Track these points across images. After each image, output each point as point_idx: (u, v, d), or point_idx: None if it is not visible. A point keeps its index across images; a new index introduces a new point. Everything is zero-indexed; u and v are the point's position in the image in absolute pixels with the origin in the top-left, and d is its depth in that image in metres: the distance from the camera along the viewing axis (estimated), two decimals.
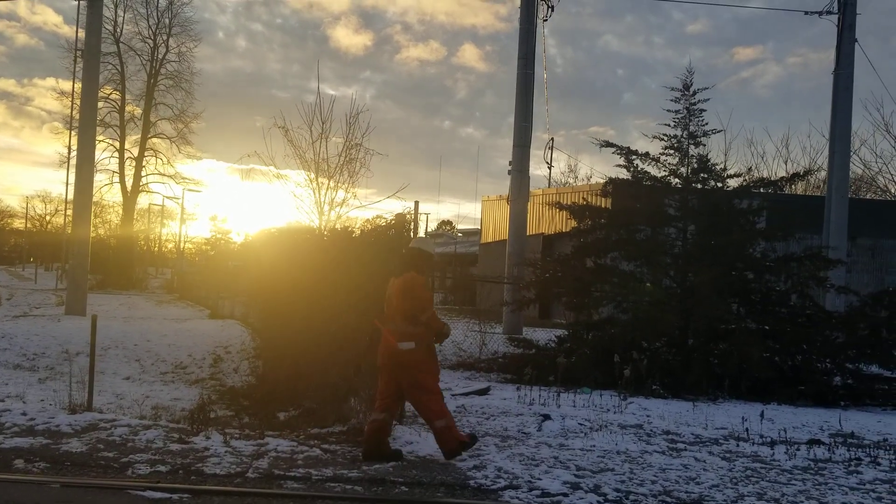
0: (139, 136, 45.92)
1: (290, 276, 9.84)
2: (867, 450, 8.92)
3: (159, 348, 13.76)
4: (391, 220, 8.33)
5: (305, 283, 9.33)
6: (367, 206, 12.72)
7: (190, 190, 47.44)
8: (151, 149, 46.73)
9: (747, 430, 9.63)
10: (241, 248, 26.14)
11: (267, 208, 19.45)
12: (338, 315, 8.64)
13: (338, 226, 12.10)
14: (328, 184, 12.59)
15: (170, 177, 47.21)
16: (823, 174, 22.40)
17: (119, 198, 47.05)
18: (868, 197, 37.43)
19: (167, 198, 48.81)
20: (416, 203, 8.45)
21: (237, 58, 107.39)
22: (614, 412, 10.64)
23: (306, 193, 12.78)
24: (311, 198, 12.68)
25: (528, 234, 23.51)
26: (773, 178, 16.27)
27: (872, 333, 13.96)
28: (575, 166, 61.32)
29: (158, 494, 5.56)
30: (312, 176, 12.52)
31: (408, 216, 8.19)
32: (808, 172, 18.32)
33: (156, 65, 45.74)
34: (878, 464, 8.21)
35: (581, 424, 9.43)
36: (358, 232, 9.70)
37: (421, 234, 8.65)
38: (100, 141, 44.21)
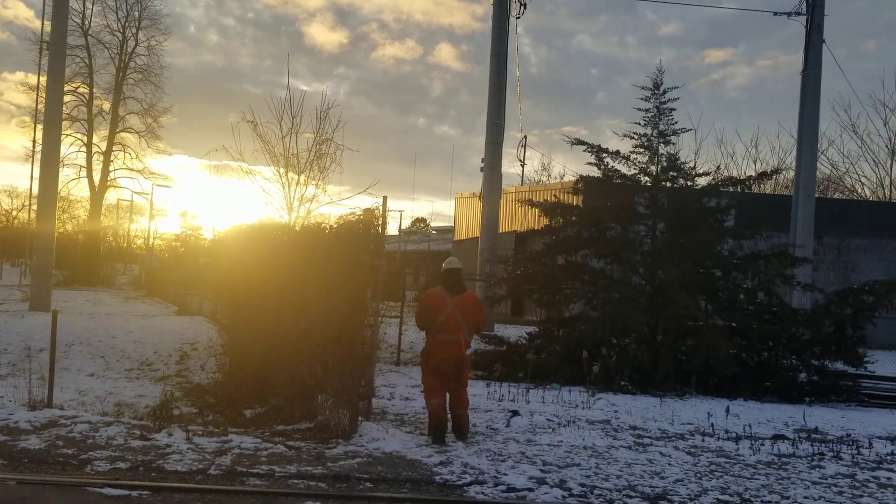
0: (107, 130, 45.24)
1: (258, 272, 9.74)
2: (830, 445, 9.04)
3: (125, 345, 13.55)
4: (359, 216, 8.26)
5: (274, 280, 9.24)
6: (338, 203, 12.62)
7: (159, 185, 46.85)
8: (120, 143, 46.08)
9: (713, 425, 9.72)
10: (211, 244, 25.89)
11: (237, 204, 19.28)
12: (306, 311, 8.56)
13: (307, 222, 12.00)
14: (298, 179, 12.49)
15: (138, 172, 46.58)
16: (792, 174, 22.70)
17: (87, 193, 46.35)
18: (835, 196, 38.03)
19: (136, 193, 48.17)
20: (385, 198, 8.43)
21: (208, 52, 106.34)
22: (583, 408, 10.68)
23: (276, 189, 12.67)
24: (281, 193, 12.57)
25: (500, 231, 23.51)
26: (741, 177, 16.41)
27: (837, 330, 14.16)
28: (548, 164, 61.69)
29: (117, 492, 5.46)
30: (282, 171, 12.41)
31: (376, 211, 8.14)
32: (775, 171, 18.51)
33: (125, 58, 45.11)
34: (841, 458, 8.32)
35: (549, 420, 9.45)
36: (328, 228, 9.62)
37: (391, 228, 8.66)
38: (67, 135, 43.47)
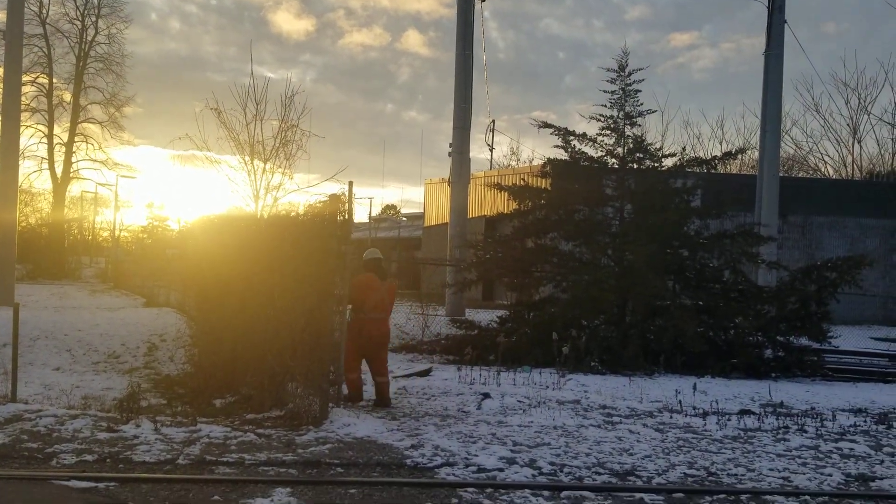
0: (69, 121, 44.38)
1: (226, 261, 9.67)
2: (795, 418, 9.22)
3: (91, 338, 13.36)
4: (325, 202, 8.21)
5: (241, 269, 9.17)
6: (304, 190, 12.54)
7: (123, 176, 46.06)
8: (82, 134, 45.23)
9: (681, 402, 9.86)
10: (178, 235, 25.60)
11: (204, 194, 19.07)
12: (274, 299, 8.51)
13: (274, 210, 11.92)
14: (264, 167, 12.38)
15: (102, 163, 45.78)
16: (757, 154, 22.98)
17: (49, 185, 45.49)
18: (799, 175, 38.61)
19: (100, 185, 47.37)
20: (350, 184, 8.36)
21: (171, 40, 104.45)
22: (553, 389, 10.77)
23: (242, 178, 12.56)
24: (247, 182, 12.46)
25: (470, 216, 23.55)
26: (707, 158, 16.60)
27: (802, 307, 14.43)
28: (517, 149, 61.67)
29: (84, 484, 5.40)
30: (247, 159, 12.29)
31: (342, 197, 8.09)
32: (740, 151, 18.66)
33: (85, 47, 44.20)
34: (805, 431, 8.49)
35: (520, 402, 9.52)
36: (294, 215, 9.55)
37: (359, 215, 8.70)
38: (27, 126, 42.56)
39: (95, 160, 45.72)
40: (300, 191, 12.75)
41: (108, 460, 6.07)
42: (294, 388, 7.95)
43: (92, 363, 12.00)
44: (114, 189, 46.98)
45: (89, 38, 44.41)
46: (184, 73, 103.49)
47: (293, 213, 9.14)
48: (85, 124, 45.25)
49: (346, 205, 8.10)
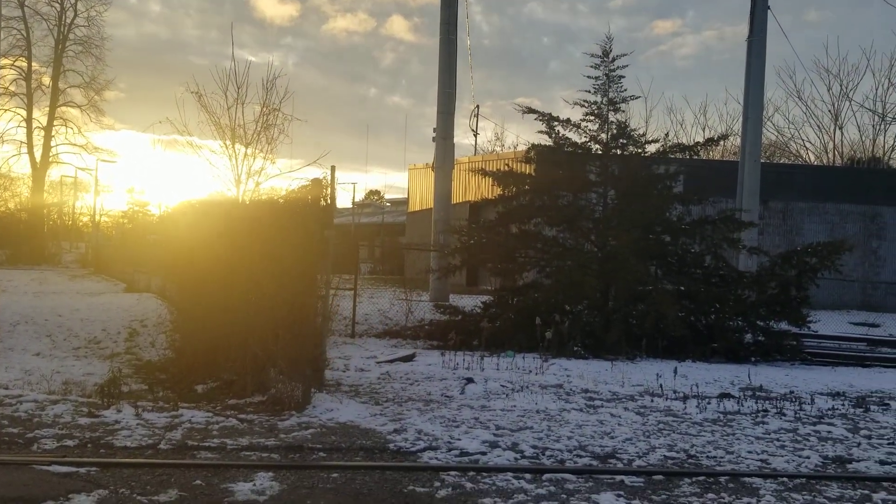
0: (48, 104, 43.74)
1: (207, 246, 9.61)
2: (774, 402, 9.34)
3: (72, 323, 13.25)
4: (307, 187, 8.18)
5: (223, 254, 9.12)
6: (286, 175, 12.48)
7: (104, 161, 45.52)
8: (61, 118, 44.57)
9: (662, 386, 9.95)
10: (159, 220, 25.41)
11: (185, 179, 18.92)
12: (256, 284, 8.48)
13: (256, 195, 11.85)
14: (245, 151, 12.29)
15: (81, 147, 45.16)
16: (739, 140, 23.06)
17: (28, 170, 44.87)
18: (781, 162, 38.84)
19: (80, 169, 46.80)
20: (333, 168, 8.32)
21: (151, 23, 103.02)
22: (536, 373, 10.83)
23: (223, 162, 12.47)
24: (228, 166, 12.37)
25: (454, 201, 23.52)
26: (689, 144, 16.64)
27: (782, 292, 14.58)
28: (502, 134, 61.68)
29: (65, 469, 5.37)
30: (229, 143, 12.19)
31: (324, 182, 8.06)
32: (722, 137, 18.77)
33: (64, 30, 43.46)
34: (784, 415, 8.60)
35: (503, 386, 9.57)
36: (276, 200, 9.51)
37: (342, 200, 8.65)
38: (5, 110, 41.87)
39: (75, 144, 45.11)
40: (282, 175, 12.70)
41: (89, 445, 6.04)
42: (276, 374, 7.93)
43: (72, 348, 11.91)
44: (94, 173, 46.51)
45: (68, 21, 43.68)
46: (165, 56, 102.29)
47: (275, 198, 9.08)
48: (64, 108, 44.59)
49: (329, 189, 8.07)
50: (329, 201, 8.15)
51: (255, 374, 8.18)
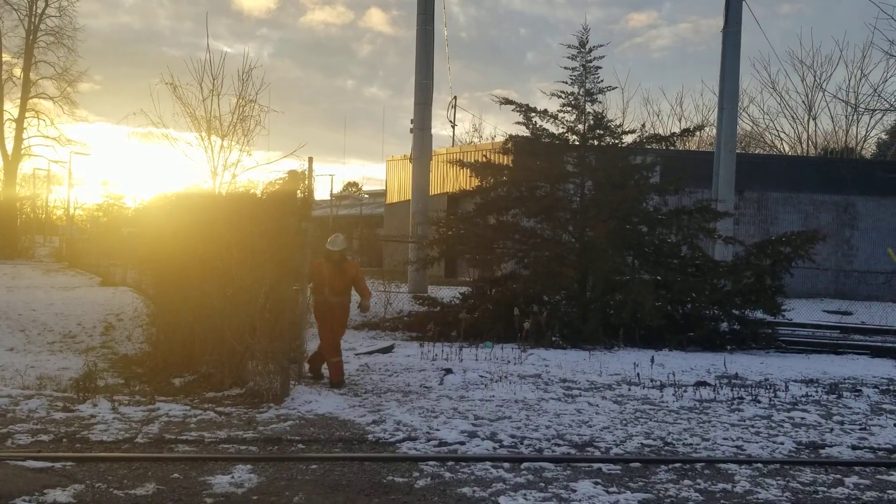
0: (19, 96, 43.03)
1: (184, 239, 9.53)
2: (749, 389, 9.45)
3: (46, 317, 13.10)
4: (284, 179, 8.13)
5: (199, 246, 9.06)
6: (263, 167, 12.39)
7: (77, 153, 44.87)
8: (33, 110, 43.89)
9: (639, 375, 10.04)
10: (134, 213, 25.13)
11: (161, 172, 18.66)
12: (233, 277, 8.42)
13: (233, 187, 11.76)
14: (221, 143, 12.18)
15: (54, 139, 44.52)
16: (715, 130, 23.25)
17: None
18: (756, 152, 39.22)
19: (53, 162, 46.13)
20: (310, 159, 8.26)
21: (125, 13, 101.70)
22: (514, 364, 10.87)
23: (199, 154, 12.36)
24: (204, 158, 12.26)
25: (432, 193, 23.51)
26: (666, 135, 16.74)
27: (757, 281, 14.73)
28: (479, 126, 61.68)
29: (39, 464, 5.32)
30: (204, 135, 12.08)
31: (301, 173, 8.01)
32: (698, 128, 18.97)
33: (35, 20, 42.74)
34: (759, 402, 8.71)
35: (482, 377, 9.60)
36: (252, 192, 9.43)
37: (321, 192, 8.55)
38: None
39: (48, 136, 44.43)
40: (259, 167, 12.60)
41: (64, 440, 5.99)
42: (254, 366, 7.91)
43: (47, 343, 11.77)
44: (68, 166, 45.83)
45: (39, 11, 42.94)
46: (139, 47, 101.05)
47: (252, 190, 9.02)
48: (36, 100, 43.90)
49: (306, 181, 8.02)
50: (306, 193, 8.10)
51: (232, 367, 8.15)
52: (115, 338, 12.10)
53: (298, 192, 7.92)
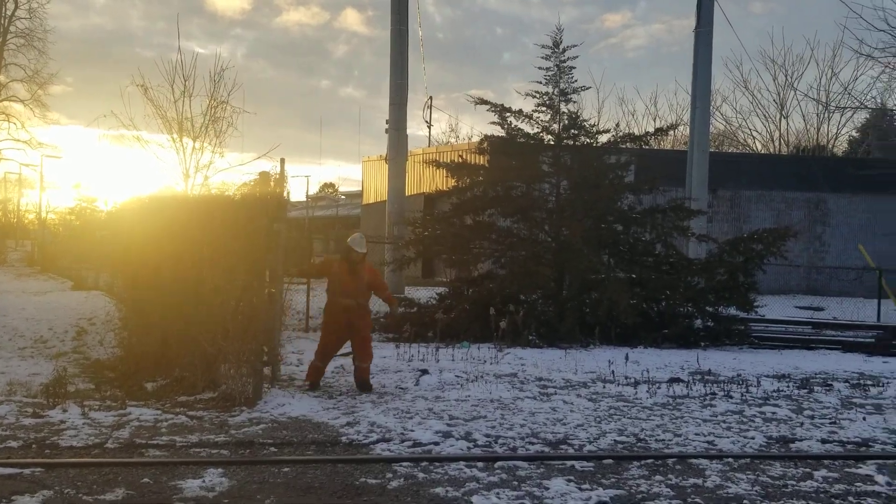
0: None
1: (156, 242, 9.44)
2: (722, 385, 9.55)
3: (17, 322, 12.90)
4: (256, 180, 8.09)
5: (172, 249, 8.98)
6: (236, 168, 12.31)
7: (49, 156, 44.23)
8: (4, 113, 43.31)
9: (614, 372, 10.11)
10: (107, 217, 24.86)
11: (134, 175, 18.46)
12: (205, 279, 8.37)
13: (205, 189, 11.68)
14: (193, 145, 12.09)
15: (25, 142, 43.94)
16: (688, 129, 23.45)
17: None
18: (729, 151, 39.62)
19: (24, 165, 45.46)
20: (282, 160, 8.22)
21: (96, 14, 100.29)
22: (491, 363, 10.90)
23: (171, 156, 12.26)
24: (176, 160, 12.16)
25: (409, 193, 23.46)
26: (640, 134, 16.87)
27: (730, 278, 14.89)
28: (455, 126, 61.72)
29: (8, 470, 5.24)
30: (176, 137, 11.98)
31: (272, 174, 7.98)
32: (671, 127, 19.13)
33: (4, 22, 42.15)
34: (731, 397, 8.81)
35: (458, 377, 9.60)
36: (224, 194, 9.38)
37: (297, 193, 8.52)
38: None
39: (19, 140, 43.86)
40: (231, 169, 12.52)
41: (33, 446, 5.91)
42: (227, 369, 7.85)
43: (18, 348, 11.60)
44: (39, 170, 45.17)
45: (8, 13, 42.36)
46: (110, 48, 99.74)
47: (224, 192, 8.96)
48: (7, 103, 43.31)
49: (278, 182, 7.98)
50: (278, 194, 8.06)
51: (205, 371, 8.08)
52: (87, 342, 11.95)
53: (270, 193, 7.87)
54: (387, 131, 21.19)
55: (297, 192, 49.10)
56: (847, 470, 5.88)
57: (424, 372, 9.87)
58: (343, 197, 56.17)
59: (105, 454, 5.76)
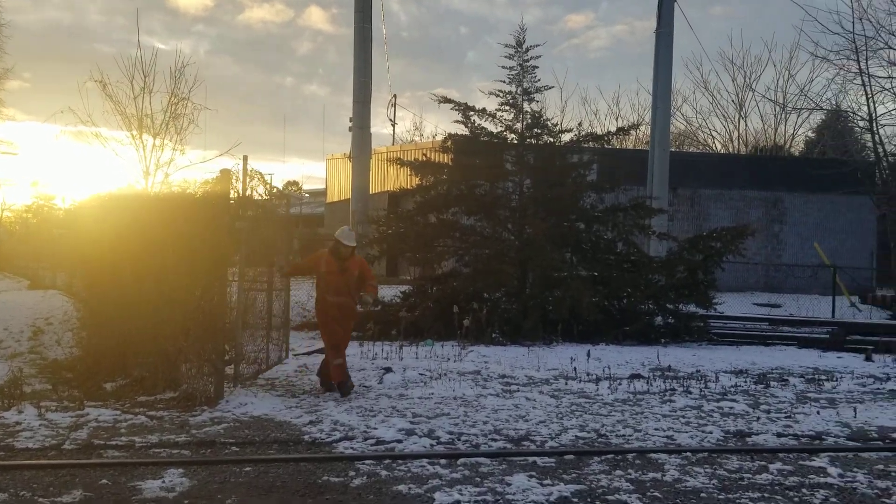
0: None
1: (115, 240, 9.29)
2: (681, 381, 9.71)
3: None
4: (216, 178, 8.00)
5: (131, 247, 8.84)
6: (197, 165, 12.17)
7: (4, 153, 43.24)
8: None
9: (576, 369, 10.21)
10: (65, 214, 24.39)
11: (93, 172, 18.15)
12: (164, 278, 8.25)
13: (165, 187, 11.53)
14: (153, 142, 11.92)
15: None
16: (650, 129, 23.72)
17: None
18: (690, 150, 40.17)
19: None
20: (245, 157, 8.15)
21: (53, 8, 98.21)
22: (454, 361, 10.94)
23: (131, 153, 12.07)
24: (136, 157, 11.98)
25: (373, 191, 23.41)
26: (602, 133, 17.04)
27: (690, 275, 15.14)
28: (420, 124, 61.62)
29: None
30: (135, 133, 11.80)
31: (233, 172, 7.90)
32: (633, 126, 19.27)
33: None
34: (690, 393, 8.96)
35: (421, 375, 9.63)
36: (184, 192, 9.26)
37: (255, 187, 8.41)
38: None
39: None
40: (192, 166, 12.37)
41: None
42: (188, 369, 7.77)
43: None
44: None
45: None
46: (69, 43, 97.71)
47: (183, 190, 8.85)
48: None
49: (240, 180, 7.92)
50: (240, 192, 8.00)
51: (165, 370, 7.99)
52: (43, 342, 11.70)
53: (231, 191, 7.80)
54: (351, 129, 21.12)
55: (259, 189, 48.48)
56: (801, 463, 6.02)
57: (388, 370, 9.87)
58: (307, 195, 55.77)
59: (62, 455, 5.66)
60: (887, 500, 5.16)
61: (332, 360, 8.46)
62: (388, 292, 17.02)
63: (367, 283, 8.83)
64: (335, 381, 8.37)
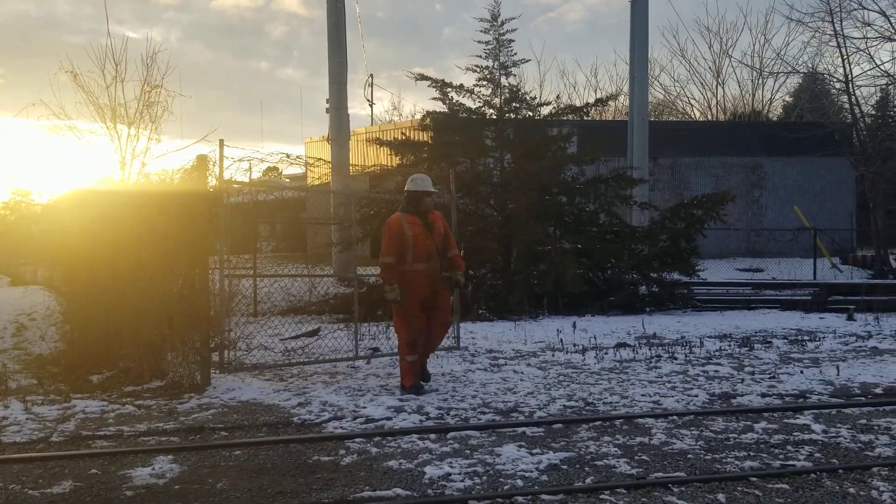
0: None
1: (93, 232, 9.23)
2: (666, 347, 9.81)
3: None
4: (192, 164, 7.93)
5: (109, 239, 8.78)
6: (174, 153, 12.07)
7: None
8: None
9: (562, 341, 10.28)
10: (43, 209, 24.13)
11: (69, 165, 17.92)
12: (145, 267, 8.21)
13: (142, 177, 11.42)
14: (128, 132, 11.77)
15: None
16: (628, 100, 23.74)
17: None
18: (669, 119, 40.28)
19: None
20: (221, 142, 8.06)
21: (20, 1, 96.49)
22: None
23: (105, 144, 11.92)
24: (111, 148, 11.83)
25: (353, 173, 23.29)
26: (580, 105, 17.05)
27: (672, 244, 15.25)
28: (398, 104, 61.30)
29: None
30: (110, 124, 11.65)
31: (209, 157, 7.83)
32: (611, 97, 19.21)
33: None
34: (675, 358, 9.05)
35: None
36: (160, 180, 9.19)
37: (238, 177, 8.31)
38: None
39: None
40: (168, 154, 12.28)
41: None
42: (174, 357, 7.75)
43: None
44: None
45: None
46: (38, 35, 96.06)
47: (159, 178, 8.77)
48: None
49: (216, 165, 7.85)
50: (217, 178, 7.93)
51: (151, 360, 7.96)
52: (27, 338, 11.62)
53: (208, 176, 7.74)
54: (328, 111, 20.98)
55: (238, 176, 48.18)
56: (786, 421, 6.11)
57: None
58: (287, 180, 55.42)
59: (50, 448, 5.63)
60: (870, 453, 5.25)
61: (403, 355, 7.28)
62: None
63: (450, 252, 7.31)
64: (405, 383, 7.24)
